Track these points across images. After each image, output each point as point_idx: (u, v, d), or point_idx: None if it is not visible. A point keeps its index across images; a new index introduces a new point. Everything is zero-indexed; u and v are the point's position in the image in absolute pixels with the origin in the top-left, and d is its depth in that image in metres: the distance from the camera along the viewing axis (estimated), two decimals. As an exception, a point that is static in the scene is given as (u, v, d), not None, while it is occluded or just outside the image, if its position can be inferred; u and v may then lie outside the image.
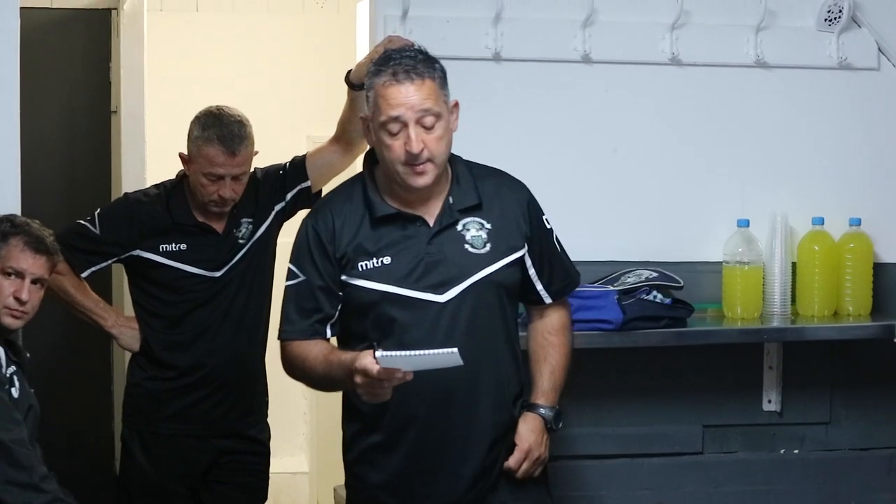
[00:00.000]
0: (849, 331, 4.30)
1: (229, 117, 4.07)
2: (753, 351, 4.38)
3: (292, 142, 5.39)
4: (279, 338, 3.38)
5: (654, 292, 4.05)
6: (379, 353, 2.99)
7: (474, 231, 3.31)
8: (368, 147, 3.35)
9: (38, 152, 4.34)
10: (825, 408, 4.46)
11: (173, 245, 4.13)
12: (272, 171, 4.27)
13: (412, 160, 3.18)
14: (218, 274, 4.15)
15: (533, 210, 3.42)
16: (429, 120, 3.18)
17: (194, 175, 4.09)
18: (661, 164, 4.34)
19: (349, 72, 4.12)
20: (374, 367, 3.00)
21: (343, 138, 4.24)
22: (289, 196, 4.24)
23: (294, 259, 3.35)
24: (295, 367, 3.36)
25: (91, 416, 5.21)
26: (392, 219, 3.29)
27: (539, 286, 3.43)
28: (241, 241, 4.18)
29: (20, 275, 3.52)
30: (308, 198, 4.27)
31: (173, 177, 4.24)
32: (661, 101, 4.33)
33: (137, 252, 4.13)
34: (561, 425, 3.44)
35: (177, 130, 4.27)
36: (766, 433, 4.43)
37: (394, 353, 3.02)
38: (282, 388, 4.63)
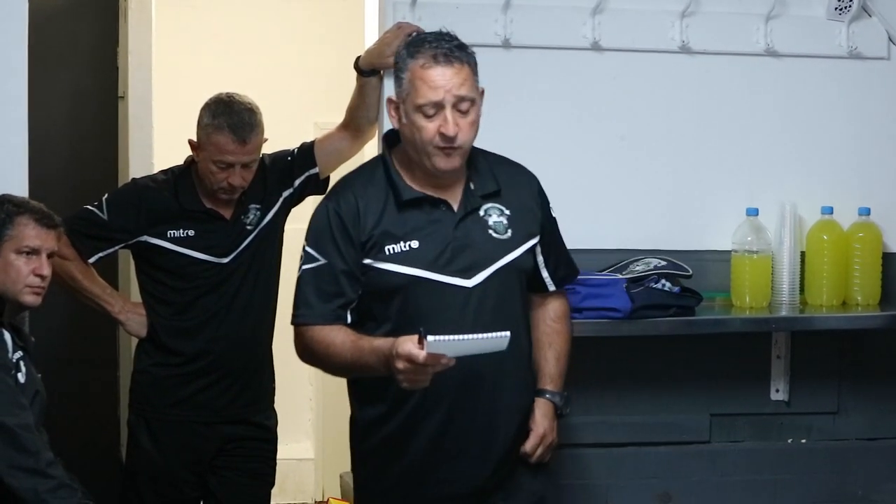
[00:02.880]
0: (857, 320, 4.30)
1: (240, 105, 4.06)
2: (761, 340, 4.37)
3: (300, 128, 5.39)
4: (294, 322, 3.30)
5: (663, 281, 4.04)
6: (430, 338, 2.93)
7: (496, 217, 3.33)
8: (387, 130, 3.33)
9: (45, 137, 4.32)
10: (833, 397, 4.45)
11: (181, 231, 4.13)
12: (280, 158, 4.26)
13: (446, 143, 3.17)
14: (225, 260, 4.15)
15: (543, 199, 3.46)
16: (465, 105, 3.19)
17: (204, 162, 4.08)
18: (670, 153, 4.32)
19: (358, 58, 4.12)
20: (421, 353, 2.96)
21: (351, 125, 4.24)
22: (297, 182, 4.24)
23: (312, 242, 3.29)
24: (315, 353, 3.27)
25: (97, 402, 5.20)
26: (418, 202, 3.28)
27: (545, 273, 3.46)
28: (248, 228, 4.17)
29: (36, 251, 3.54)
30: (316, 184, 4.26)
31: (181, 163, 4.24)
32: (670, 90, 4.31)
33: (145, 238, 4.13)
34: (569, 411, 3.48)
35: (185, 116, 4.26)
36: (773, 423, 4.42)
37: (443, 337, 2.94)
38: (288, 374, 4.63)
